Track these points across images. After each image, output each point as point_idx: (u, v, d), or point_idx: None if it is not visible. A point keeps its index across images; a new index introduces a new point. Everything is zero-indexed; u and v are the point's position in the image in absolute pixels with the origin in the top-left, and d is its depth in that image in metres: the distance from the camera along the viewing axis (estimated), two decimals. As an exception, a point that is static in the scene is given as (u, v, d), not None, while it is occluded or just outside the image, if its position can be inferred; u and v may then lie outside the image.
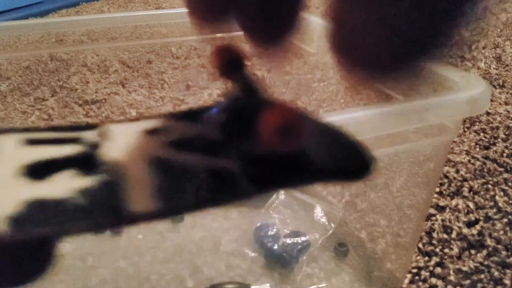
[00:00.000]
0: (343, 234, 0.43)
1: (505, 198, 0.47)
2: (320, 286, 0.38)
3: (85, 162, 0.11)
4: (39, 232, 0.09)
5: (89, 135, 0.12)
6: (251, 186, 0.11)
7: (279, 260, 0.39)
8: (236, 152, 0.12)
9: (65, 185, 0.11)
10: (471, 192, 0.48)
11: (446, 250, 0.41)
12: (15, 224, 0.09)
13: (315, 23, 0.42)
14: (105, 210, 0.10)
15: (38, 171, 0.11)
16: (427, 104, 0.24)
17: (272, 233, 0.41)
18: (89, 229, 0.10)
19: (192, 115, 0.14)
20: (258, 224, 0.42)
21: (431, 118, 0.25)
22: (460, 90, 0.26)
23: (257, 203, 0.46)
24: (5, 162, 0.11)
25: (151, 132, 0.13)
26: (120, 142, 0.12)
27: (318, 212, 0.43)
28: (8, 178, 0.10)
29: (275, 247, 0.39)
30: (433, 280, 0.38)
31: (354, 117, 0.23)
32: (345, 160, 0.12)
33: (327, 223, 0.42)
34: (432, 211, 0.46)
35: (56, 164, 0.11)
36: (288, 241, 0.40)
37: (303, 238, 0.40)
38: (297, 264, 0.39)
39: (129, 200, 0.10)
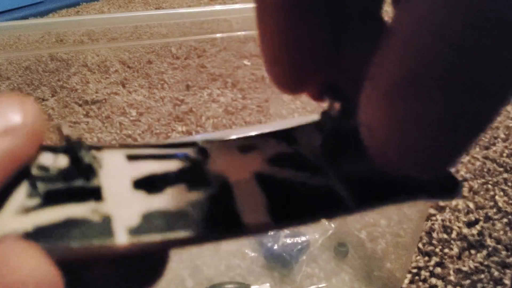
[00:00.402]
0: (343, 234, 0.43)
1: (505, 198, 0.47)
2: (320, 286, 0.38)
3: (192, 177, 0.12)
4: (155, 243, 0.10)
5: (189, 151, 0.13)
6: (355, 204, 0.11)
7: (279, 260, 0.39)
8: (338, 171, 0.12)
9: (177, 198, 0.11)
10: (471, 192, 0.48)
11: (446, 250, 0.41)
12: (134, 236, 0.10)
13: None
14: (220, 222, 0.11)
15: (150, 184, 0.11)
16: None
17: (272, 233, 0.41)
18: (201, 240, 0.10)
19: (282, 134, 0.14)
20: None
21: None
22: None
23: None
24: (117, 176, 0.11)
25: (247, 149, 0.13)
26: (221, 159, 0.13)
27: None
28: (126, 192, 0.11)
29: (275, 247, 0.40)
30: (433, 280, 0.38)
31: None
32: (442, 180, 0.12)
33: (327, 223, 0.42)
34: (432, 211, 0.46)
35: (167, 178, 0.12)
36: (288, 241, 0.40)
37: (303, 238, 0.40)
38: (297, 264, 0.39)
39: (242, 213, 0.11)
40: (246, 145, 0.14)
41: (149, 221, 0.10)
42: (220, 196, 0.11)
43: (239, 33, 0.41)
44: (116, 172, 0.12)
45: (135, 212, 0.10)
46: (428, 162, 0.09)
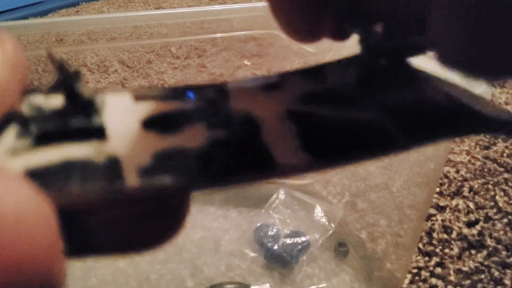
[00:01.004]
0: (343, 234, 0.43)
1: (506, 198, 0.47)
2: (320, 286, 0.38)
3: (212, 115, 0.10)
4: (172, 186, 0.09)
5: (207, 92, 0.11)
6: (405, 139, 0.10)
7: (279, 260, 0.39)
8: (382, 104, 0.11)
9: (196, 137, 0.10)
10: (471, 192, 0.48)
11: (446, 250, 0.41)
12: (147, 176, 0.09)
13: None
14: (249, 162, 0.09)
15: (163, 124, 0.10)
16: None
17: (272, 233, 0.41)
18: (227, 182, 0.09)
19: (310, 72, 0.13)
20: (258, 224, 0.42)
21: None
22: None
23: (257, 203, 0.46)
24: (123, 116, 0.10)
25: (272, 88, 0.12)
26: (244, 98, 0.11)
27: (318, 212, 0.43)
28: (135, 132, 0.10)
29: (275, 247, 0.39)
30: (433, 280, 0.38)
31: None
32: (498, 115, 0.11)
33: (327, 223, 0.42)
34: (432, 211, 0.46)
35: (182, 116, 0.10)
36: (288, 241, 0.40)
37: (303, 238, 0.40)
38: (297, 264, 0.39)
39: (274, 152, 0.10)
40: (270, 84, 0.12)
41: (163, 161, 0.09)
42: (248, 135, 0.10)
43: (239, 33, 0.41)
44: (122, 111, 0.10)
45: (146, 152, 0.09)
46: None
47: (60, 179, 0.08)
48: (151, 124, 0.10)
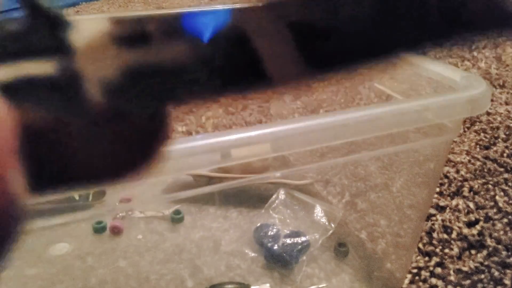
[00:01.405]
0: (343, 234, 0.43)
1: (505, 198, 0.47)
2: (320, 286, 0.38)
3: (199, 34, 0.10)
4: (147, 99, 0.08)
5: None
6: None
7: (279, 260, 0.39)
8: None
9: (174, 51, 0.09)
10: (471, 192, 0.48)
11: (446, 250, 0.41)
12: (115, 93, 0.08)
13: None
14: (241, 73, 0.09)
15: (138, 40, 0.09)
16: (427, 104, 0.24)
17: (272, 233, 0.41)
18: (209, 94, 0.08)
19: None
20: (258, 224, 0.42)
21: (431, 118, 0.25)
22: (460, 90, 0.26)
23: (257, 203, 0.46)
24: (93, 33, 0.09)
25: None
26: (237, 13, 0.10)
27: (318, 212, 0.43)
28: (104, 47, 0.09)
29: (275, 247, 0.39)
30: (433, 280, 0.38)
31: (354, 117, 0.23)
32: None
33: (327, 223, 0.42)
34: (433, 211, 0.46)
35: (160, 33, 0.09)
36: (288, 241, 0.40)
37: (303, 238, 0.40)
38: (297, 264, 0.39)
39: (268, 63, 0.09)
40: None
41: (136, 77, 0.08)
42: (238, 46, 0.09)
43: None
44: (92, 30, 0.09)
45: (116, 67, 0.09)
46: None
47: (19, 96, 0.08)
48: (124, 40, 0.09)
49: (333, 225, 0.42)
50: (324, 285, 0.38)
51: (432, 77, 0.30)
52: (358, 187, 0.43)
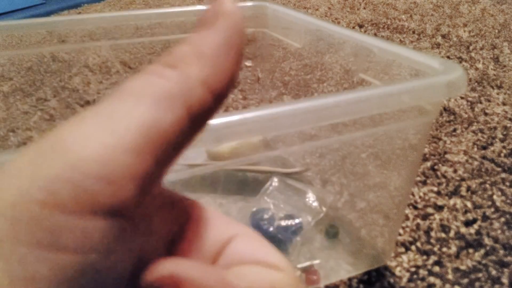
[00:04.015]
0: (333, 217, 0.44)
1: (503, 198, 0.48)
2: (314, 262, 0.39)
3: None
4: None
5: None
6: None
7: (275, 241, 0.41)
8: None
9: None
10: (469, 192, 0.49)
11: (444, 249, 0.41)
12: None
13: (301, 20, 0.43)
14: None
15: None
16: (406, 87, 0.26)
17: (267, 216, 0.43)
18: None
19: None
20: (254, 209, 0.44)
21: (410, 101, 0.26)
22: (438, 74, 0.28)
23: (251, 190, 0.47)
24: None
25: None
26: None
27: (310, 197, 0.45)
28: None
29: (271, 229, 0.41)
30: (431, 279, 0.38)
31: (334, 101, 0.24)
32: None
33: (318, 207, 0.44)
34: (430, 210, 0.46)
35: None
36: (283, 223, 0.42)
37: (296, 221, 0.42)
38: (292, 244, 0.41)
39: None
40: None
41: None
42: None
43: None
44: None
45: None
46: None
47: None
48: None
49: (324, 209, 0.44)
50: (317, 261, 0.39)
51: (411, 65, 0.32)
52: (346, 172, 0.45)
